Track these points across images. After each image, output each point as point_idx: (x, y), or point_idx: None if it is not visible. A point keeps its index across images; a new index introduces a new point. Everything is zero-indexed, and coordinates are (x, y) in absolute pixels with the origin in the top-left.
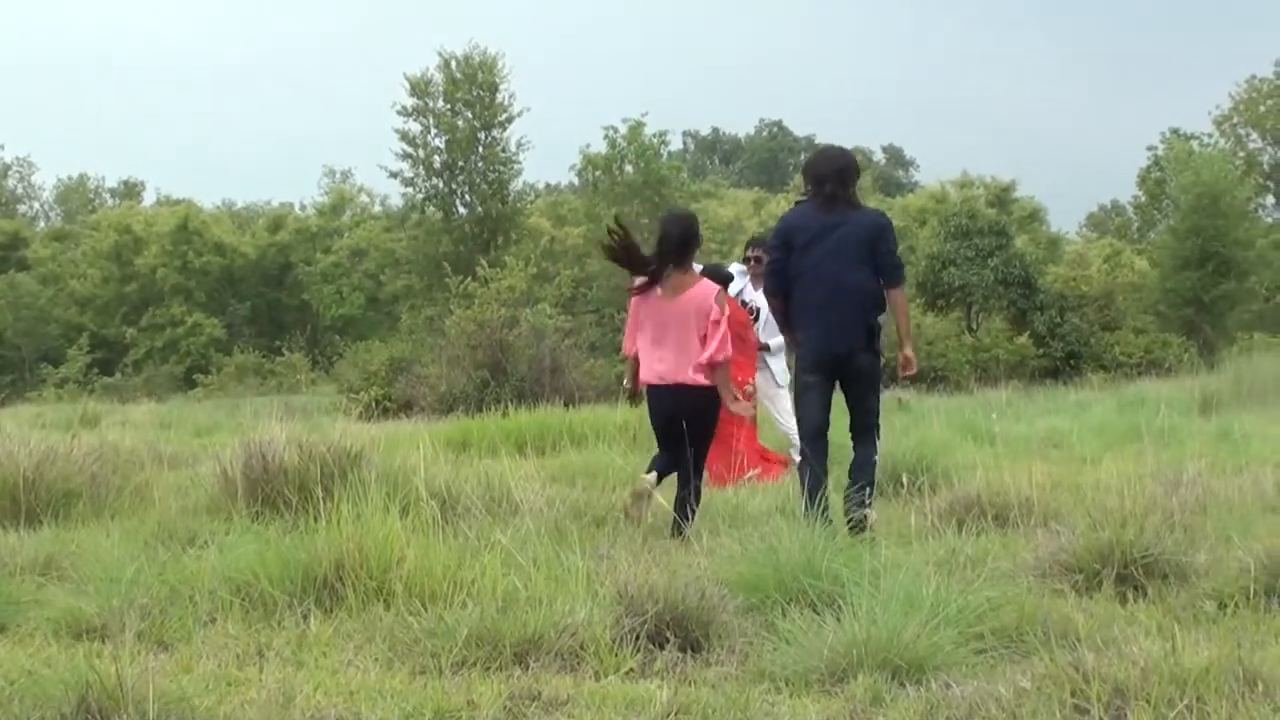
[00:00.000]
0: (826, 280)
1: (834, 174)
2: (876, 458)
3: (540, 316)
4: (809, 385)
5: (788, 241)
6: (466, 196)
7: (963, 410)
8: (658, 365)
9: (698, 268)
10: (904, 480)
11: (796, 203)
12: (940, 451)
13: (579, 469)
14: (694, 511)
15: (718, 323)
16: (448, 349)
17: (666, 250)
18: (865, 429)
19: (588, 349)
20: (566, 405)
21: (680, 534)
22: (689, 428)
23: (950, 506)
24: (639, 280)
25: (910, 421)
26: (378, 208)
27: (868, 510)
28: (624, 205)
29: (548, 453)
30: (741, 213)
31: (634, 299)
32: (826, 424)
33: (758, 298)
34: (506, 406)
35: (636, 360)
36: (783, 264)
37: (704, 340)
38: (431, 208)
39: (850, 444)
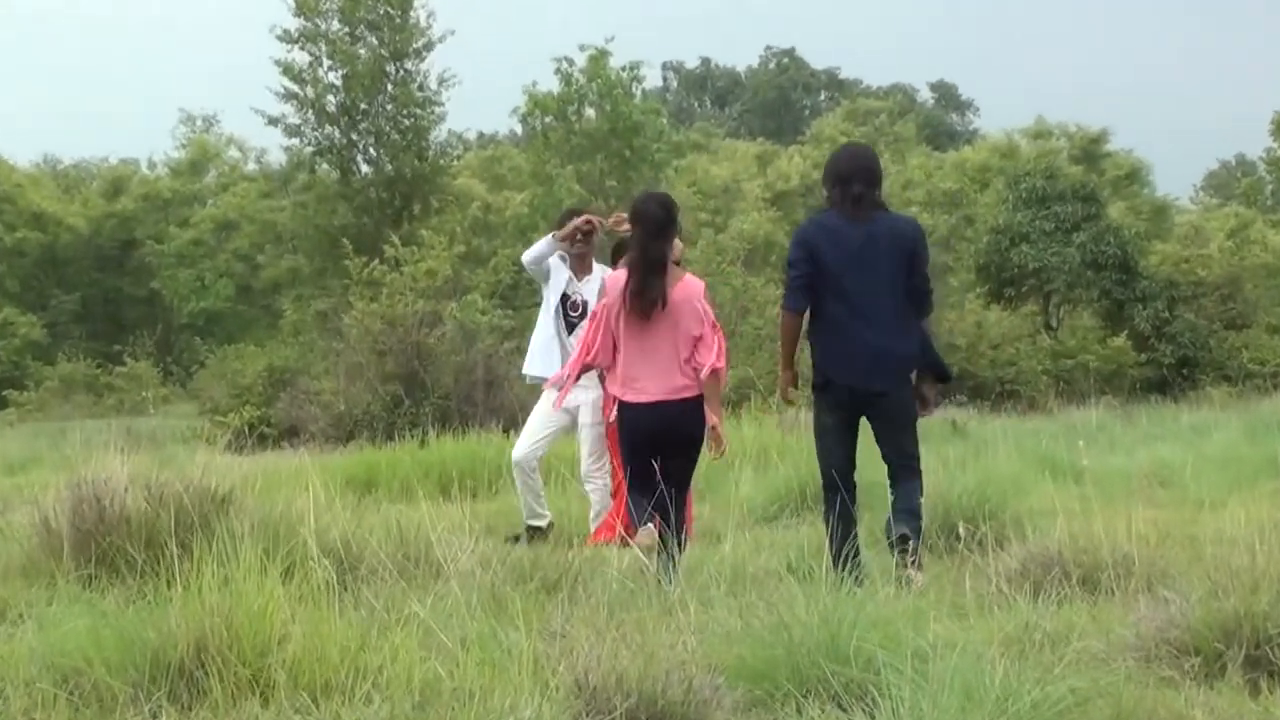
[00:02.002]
0: (858, 298)
1: (861, 172)
2: (922, 499)
3: (470, 311)
4: (830, 427)
5: (812, 253)
6: (371, 150)
7: (1039, 436)
8: (641, 379)
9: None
10: (960, 531)
11: (814, 214)
12: (1009, 492)
13: (517, 519)
14: (676, 564)
15: (715, 325)
16: (347, 355)
17: (646, 238)
18: (905, 467)
19: None
20: (506, 431)
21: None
22: (677, 453)
23: (1022, 566)
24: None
25: (968, 451)
26: (252, 166)
27: (912, 571)
28: (583, 162)
29: (481, 495)
30: (741, 170)
31: (608, 297)
32: (853, 464)
33: (584, 290)
34: (425, 433)
35: (586, 366)
36: (809, 279)
37: (695, 346)
38: (324, 165)
39: (885, 481)
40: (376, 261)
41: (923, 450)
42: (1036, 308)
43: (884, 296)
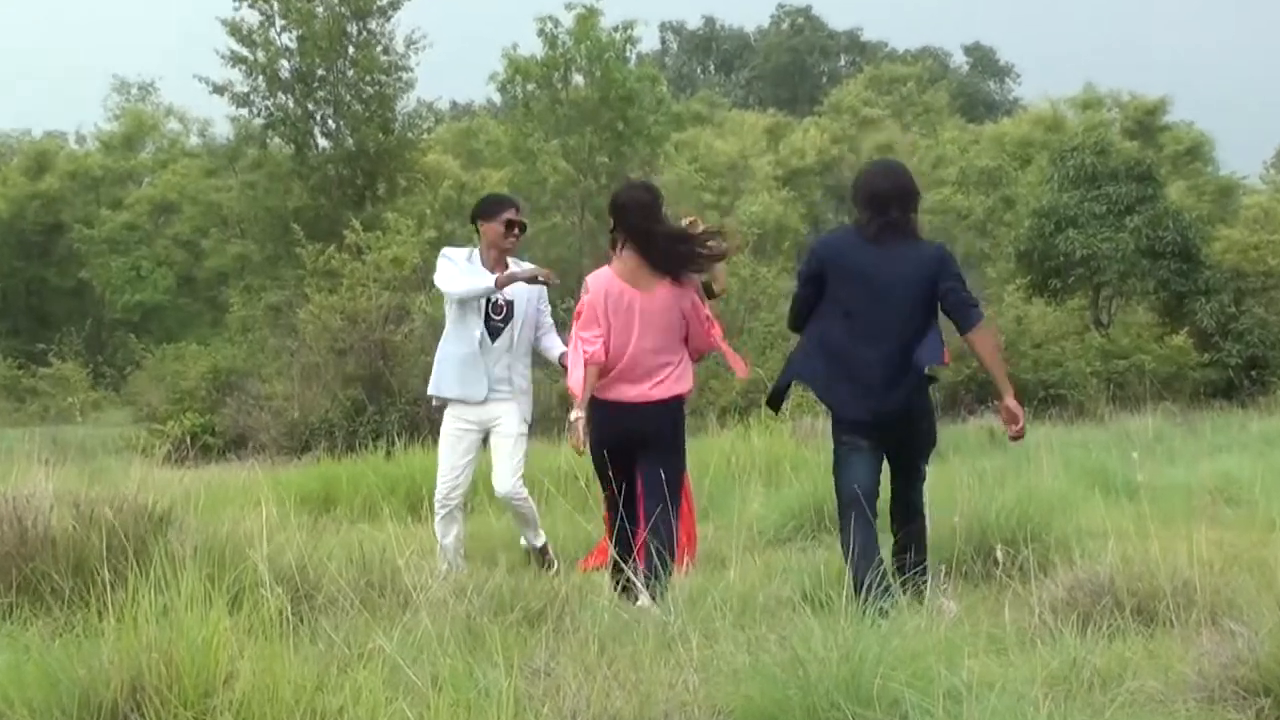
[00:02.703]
0: (877, 328)
1: (899, 195)
2: (927, 519)
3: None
4: (854, 449)
5: (822, 272)
6: (329, 122)
7: (1088, 447)
8: (624, 379)
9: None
10: (998, 555)
11: (829, 233)
12: (1054, 511)
13: (503, 538)
14: (665, 571)
15: (710, 319)
16: (302, 355)
17: (642, 222)
18: (915, 502)
19: None
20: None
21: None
22: (663, 452)
23: (1069, 594)
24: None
25: (1007, 464)
26: (194, 140)
27: (944, 600)
28: (570, 135)
29: None
30: (749, 145)
31: (593, 295)
32: (877, 481)
33: (505, 291)
34: (392, 443)
35: (598, 373)
36: (810, 298)
37: (686, 342)
38: (277, 139)
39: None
40: (335, 248)
41: (957, 462)
42: (1085, 301)
43: (908, 325)
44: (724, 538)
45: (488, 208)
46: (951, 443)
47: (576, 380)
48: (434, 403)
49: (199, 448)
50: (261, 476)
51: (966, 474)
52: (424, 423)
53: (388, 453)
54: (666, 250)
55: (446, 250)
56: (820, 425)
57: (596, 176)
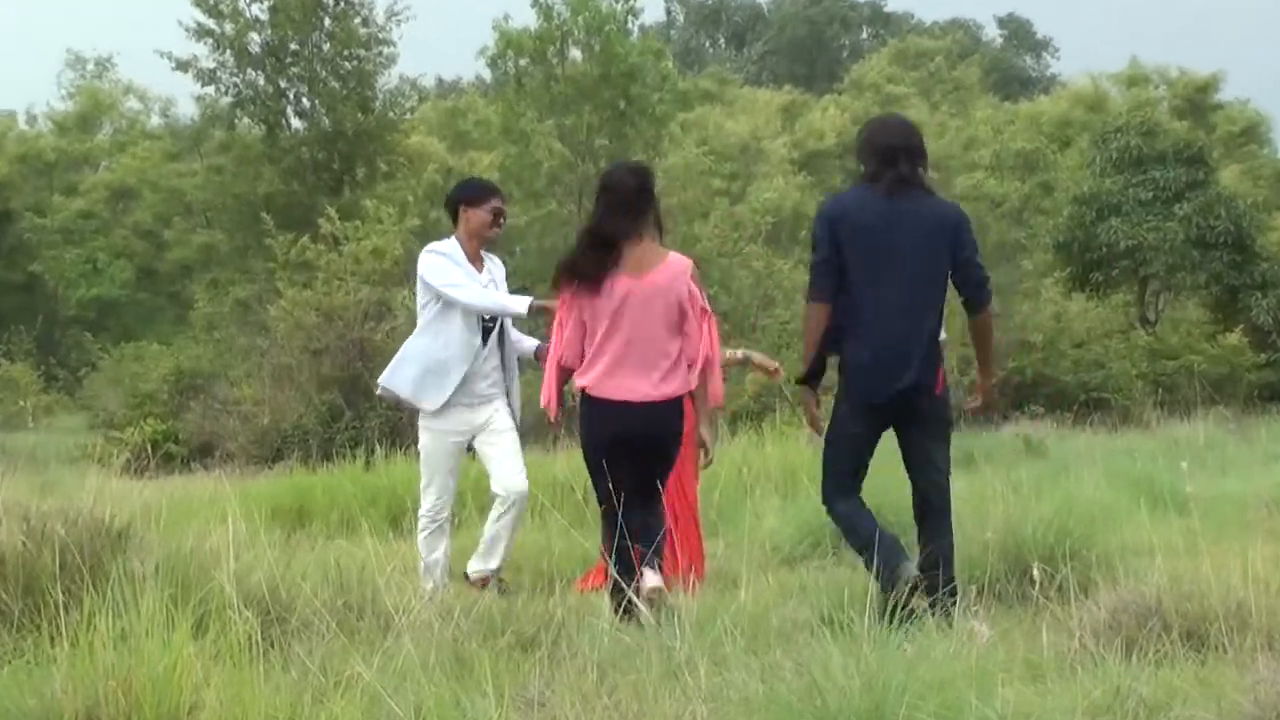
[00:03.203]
0: (896, 289)
1: (908, 148)
2: (952, 536)
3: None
4: (853, 436)
5: (835, 233)
6: (304, 101)
7: (1133, 456)
8: (616, 374)
9: None
10: (1034, 574)
11: (838, 194)
12: (1096, 525)
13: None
14: (658, 552)
15: (706, 310)
16: (273, 355)
17: (619, 212)
18: (938, 502)
19: None
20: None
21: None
22: (651, 461)
23: (1112, 617)
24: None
25: (1045, 475)
26: (156, 120)
27: (976, 623)
28: (567, 115)
29: None
30: (763, 126)
31: (569, 287)
32: (864, 472)
33: (492, 274)
34: (371, 451)
35: (563, 371)
36: (835, 262)
37: (684, 336)
38: (246, 119)
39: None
40: (310, 239)
41: (990, 472)
42: (1130, 296)
43: (927, 284)
44: (735, 555)
45: (475, 192)
46: (984, 451)
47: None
48: (391, 399)
49: (160, 457)
50: (229, 488)
51: (1000, 485)
52: (406, 429)
53: (367, 462)
54: (582, 253)
55: (437, 246)
56: None
57: (595, 160)
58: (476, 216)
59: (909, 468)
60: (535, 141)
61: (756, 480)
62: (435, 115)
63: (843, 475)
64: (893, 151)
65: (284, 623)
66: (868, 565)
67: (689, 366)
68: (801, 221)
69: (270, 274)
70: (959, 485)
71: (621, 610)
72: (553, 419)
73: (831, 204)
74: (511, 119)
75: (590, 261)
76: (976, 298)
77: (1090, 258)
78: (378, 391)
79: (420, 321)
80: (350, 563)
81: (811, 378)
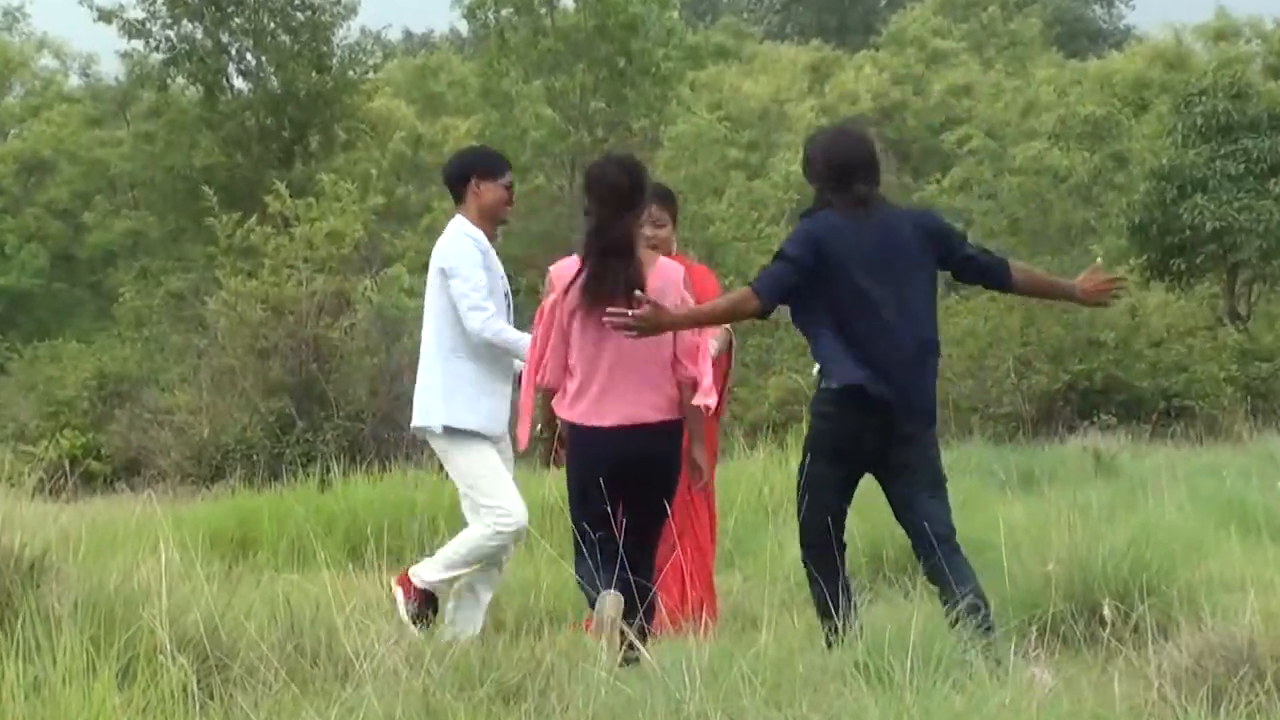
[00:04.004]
0: (886, 313)
1: (863, 166)
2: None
3: (393, 292)
4: (825, 476)
5: (820, 250)
6: (249, 57)
7: (1221, 474)
8: (603, 397)
9: None
10: (1105, 613)
11: (811, 210)
12: (1178, 556)
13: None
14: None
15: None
16: (213, 357)
17: (604, 212)
18: (946, 539)
19: None
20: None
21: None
22: (646, 495)
23: (1197, 663)
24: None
25: (1118, 497)
26: (74, 80)
27: (1036, 670)
28: (557, 75)
29: (409, 561)
30: (787, 87)
31: (556, 292)
32: (844, 517)
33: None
34: (327, 469)
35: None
36: (793, 277)
37: (675, 352)
38: (181, 79)
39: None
40: (255, 219)
41: (1054, 494)
42: (1218, 287)
43: (917, 301)
44: (754, 590)
45: (490, 164)
46: (1046, 468)
47: (524, 402)
48: (430, 432)
49: (80, 475)
50: (160, 512)
51: (1065, 508)
52: (367, 443)
53: (322, 481)
54: (598, 266)
55: (468, 230)
56: None
57: (591, 127)
58: (492, 192)
59: (910, 520)
60: (520, 106)
61: (779, 503)
62: (403, 75)
63: (821, 511)
64: (846, 174)
65: (225, 670)
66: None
67: (681, 385)
68: None
69: (209, 261)
70: (1017, 509)
71: (621, 654)
72: (522, 448)
73: (816, 223)
74: (492, 79)
75: (612, 274)
76: (998, 271)
77: (1170, 242)
78: (434, 429)
79: (452, 335)
80: (303, 600)
81: None
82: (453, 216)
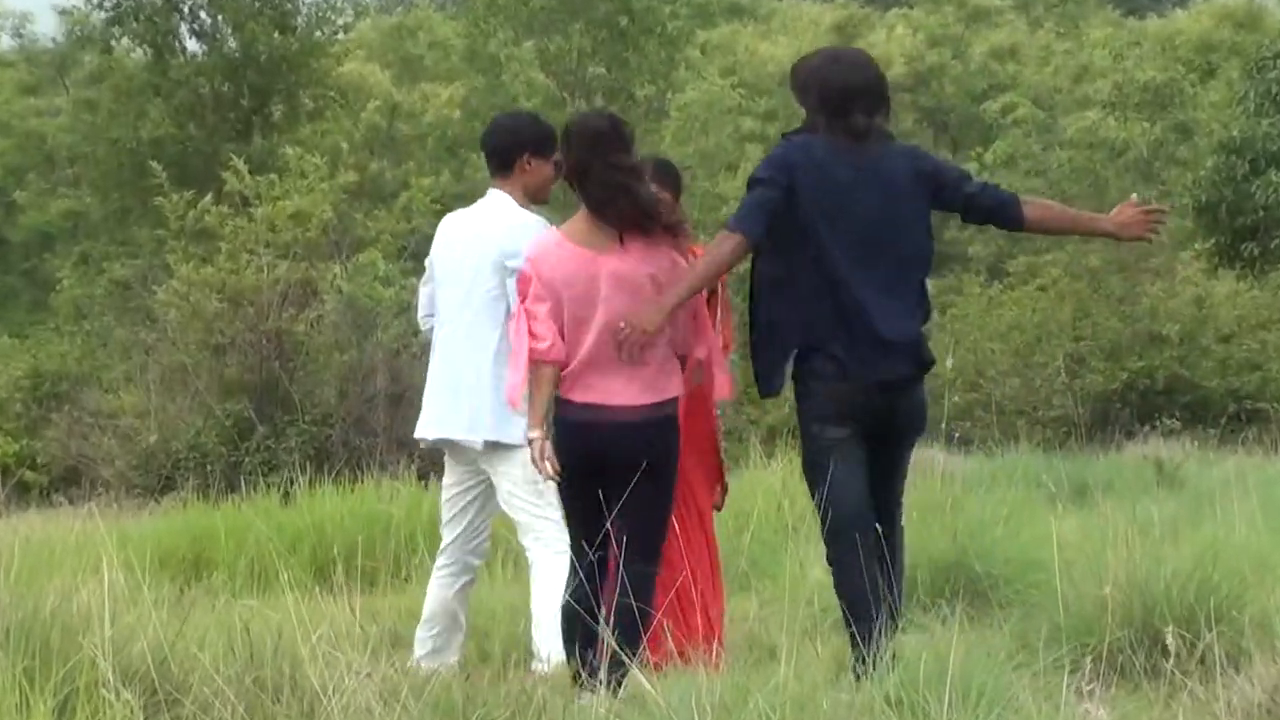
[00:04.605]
0: (872, 257)
1: (864, 94)
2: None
3: (365, 280)
4: (835, 445)
5: (794, 181)
6: (203, 16)
7: None
8: (593, 375)
9: None
10: (1168, 641)
11: (793, 132)
12: (1249, 579)
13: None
14: (635, 642)
15: (706, 302)
16: (163, 353)
17: (591, 154)
18: (892, 513)
19: None
20: (423, 476)
21: (608, 685)
22: (638, 485)
23: (1271, 698)
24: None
25: (1182, 511)
26: (6, 42)
27: (1090, 706)
28: (551, 36)
29: (383, 584)
30: (806, 48)
31: (533, 264)
32: (871, 505)
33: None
34: (292, 480)
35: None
36: (775, 198)
37: (672, 325)
38: (127, 40)
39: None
40: (211, 198)
41: (1109, 507)
42: None
43: (910, 246)
44: (772, 616)
45: (547, 138)
46: (1101, 478)
47: (517, 385)
48: (493, 445)
49: (13, 486)
50: (104, 528)
51: (1123, 524)
52: (337, 450)
53: (285, 494)
54: (604, 186)
55: (526, 215)
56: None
57: (589, 95)
58: (543, 171)
59: (873, 475)
60: (509, 70)
61: (800, 518)
62: (377, 36)
63: (847, 498)
64: (847, 96)
65: (175, 705)
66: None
67: (686, 361)
68: None
69: (158, 245)
70: (1069, 525)
71: (580, 676)
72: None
73: (794, 149)
74: (478, 40)
75: (618, 200)
76: (1009, 208)
77: (1241, 224)
78: (507, 441)
79: (498, 336)
80: (264, 627)
81: (769, 384)
82: (491, 191)
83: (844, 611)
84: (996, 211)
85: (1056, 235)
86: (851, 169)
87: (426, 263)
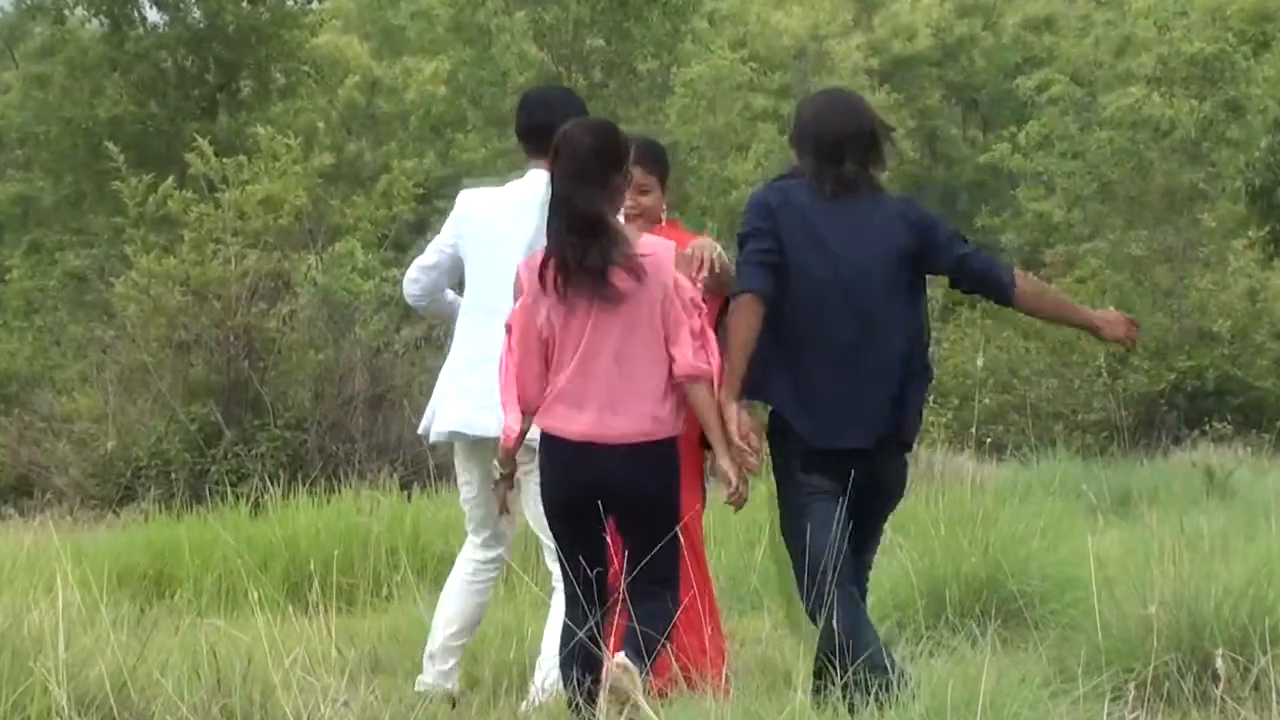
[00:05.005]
0: (848, 314)
1: (856, 139)
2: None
3: (341, 271)
4: (812, 496)
5: (778, 227)
6: None
7: None
8: (576, 404)
9: None
10: (1219, 666)
11: (777, 179)
12: None
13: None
14: (646, 661)
15: (697, 304)
16: (121, 352)
17: (569, 182)
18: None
19: None
20: (406, 487)
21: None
22: (635, 525)
23: None
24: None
25: (1232, 524)
26: None
27: None
28: (545, 5)
29: (362, 603)
30: (828, 20)
31: (525, 292)
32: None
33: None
34: (263, 490)
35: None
36: (768, 252)
37: (670, 341)
38: (82, 9)
39: None
40: (173, 183)
41: (1154, 518)
42: None
43: (888, 305)
44: (784, 640)
45: (582, 114)
46: (1145, 487)
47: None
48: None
49: None
50: (58, 542)
51: (1170, 538)
52: (311, 457)
53: (255, 505)
54: (573, 247)
55: None
56: (941, 463)
57: (587, 70)
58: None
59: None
60: (500, 42)
61: None
62: (355, 5)
63: (818, 542)
64: (837, 144)
65: None
66: None
67: (682, 387)
68: None
69: (115, 234)
70: (1111, 539)
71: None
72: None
73: (774, 193)
74: (465, 10)
75: (582, 252)
76: (1000, 280)
77: None
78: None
79: None
80: (232, 651)
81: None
82: (533, 171)
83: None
84: (987, 278)
85: (1040, 318)
86: (835, 217)
87: (442, 245)
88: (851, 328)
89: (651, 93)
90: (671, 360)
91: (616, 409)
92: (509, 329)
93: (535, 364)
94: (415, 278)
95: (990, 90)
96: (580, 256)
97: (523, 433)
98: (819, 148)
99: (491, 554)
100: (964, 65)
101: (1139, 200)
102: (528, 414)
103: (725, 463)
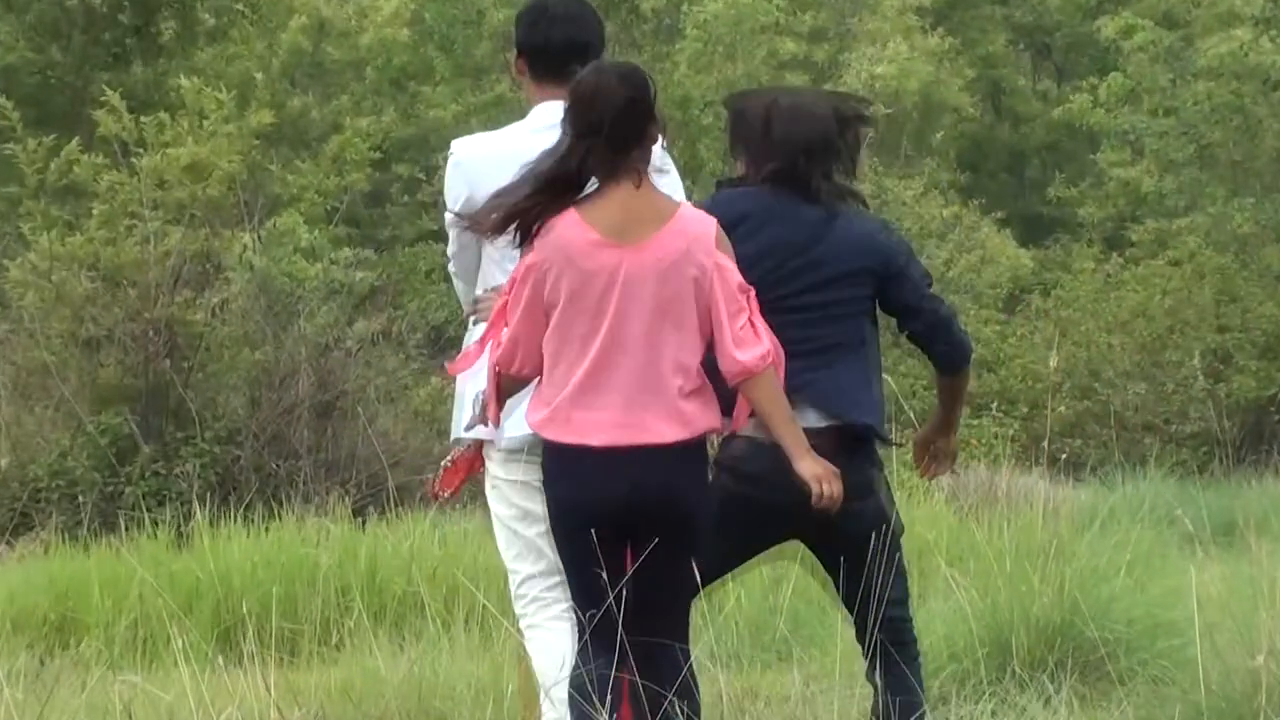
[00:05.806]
0: (796, 340)
1: (815, 143)
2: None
3: (282, 252)
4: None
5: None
6: None
7: None
8: (589, 403)
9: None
10: (1263, 707)
11: (721, 183)
12: None
13: (394, 699)
14: None
15: (744, 287)
16: (16, 350)
17: (599, 140)
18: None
19: (427, 341)
20: (360, 511)
21: None
22: (658, 548)
23: None
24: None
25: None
26: None
27: None
28: None
29: (307, 653)
30: None
31: (536, 253)
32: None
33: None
34: (188, 515)
35: (503, 380)
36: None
37: (709, 328)
38: None
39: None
40: (78, 145)
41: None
42: None
43: (843, 331)
44: (819, 696)
45: (603, 37)
46: (1253, 513)
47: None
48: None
49: None
50: None
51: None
52: (247, 477)
53: (179, 534)
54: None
55: None
56: (1006, 483)
57: None
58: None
59: (847, 595)
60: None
61: None
62: None
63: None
64: (792, 147)
65: None
66: None
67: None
68: (936, 114)
69: (11, 207)
70: (1212, 575)
71: None
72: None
73: (723, 202)
74: None
75: (534, 206)
76: (950, 351)
77: None
78: None
79: None
80: (151, 711)
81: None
82: (545, 104)
83: None
84: (933, 339)
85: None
86: (791, 228)
87: (454, 217)
88: (807, 357)
89: (658, 36)
90: (718, 356)
91: (647, 406)
92: (506, 290)
93: (535, 333)
94: (455, 271)
95: (1065, 34)
96: (531, 214)
97: (501, 401)
98: (768, 149)
99: (554, 592)
100: (1034, 3)
101: (1245, 166)
102: (513, 378)
103: (806, 463)
